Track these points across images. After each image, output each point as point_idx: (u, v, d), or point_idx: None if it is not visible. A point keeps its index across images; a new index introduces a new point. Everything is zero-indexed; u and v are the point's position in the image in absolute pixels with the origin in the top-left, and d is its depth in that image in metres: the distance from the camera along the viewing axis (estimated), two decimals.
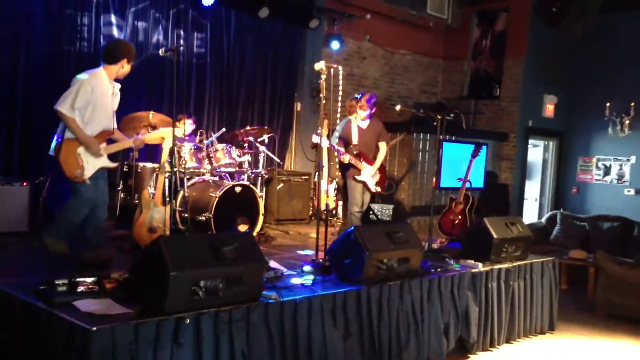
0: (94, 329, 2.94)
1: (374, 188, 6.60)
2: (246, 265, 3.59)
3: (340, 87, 5.05)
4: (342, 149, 6.33)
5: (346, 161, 6.37)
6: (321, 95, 4.84)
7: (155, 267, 3.27)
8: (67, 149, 4.64)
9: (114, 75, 4.82)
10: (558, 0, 6.78)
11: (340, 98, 4.95)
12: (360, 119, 6.57)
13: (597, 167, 10.73)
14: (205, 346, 3.32)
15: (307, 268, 4.62)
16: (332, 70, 4.91)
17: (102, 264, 4.57)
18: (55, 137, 4.77)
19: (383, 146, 6.69)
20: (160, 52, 4.50)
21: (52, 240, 4.74)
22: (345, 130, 6.54)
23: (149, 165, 6.11)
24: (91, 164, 4.73)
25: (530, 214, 11.12)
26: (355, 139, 6.48)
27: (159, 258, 3.25)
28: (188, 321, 3.26)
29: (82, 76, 4.68)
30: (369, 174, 6.52)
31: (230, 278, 3.48)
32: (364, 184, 6.54)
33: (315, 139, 6.19)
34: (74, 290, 3.51)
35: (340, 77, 4.94)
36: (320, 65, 4.87)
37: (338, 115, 5.08)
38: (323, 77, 4.84)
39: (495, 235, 5.32)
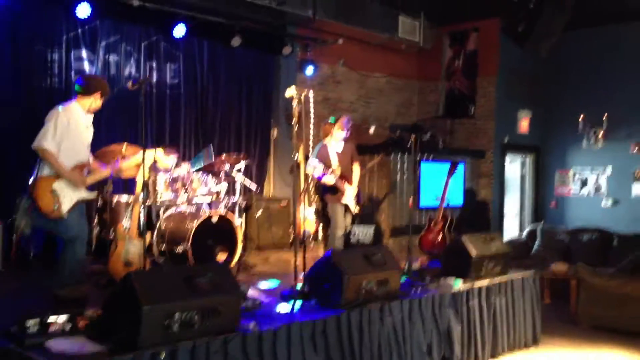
0: None
1: (354, 209, 6.62)
2: (221, 296, 3.55)
3: (312, 112, 5.06)
4: (326, 172, 6.35)
5: (331, 183, 6.37)
6: (292, 122, 4.85)
7: (127, 301, 3.23)
8: (42, 185, 4.58)
9: (87, 107, 4.81)
10: (523, 21, 6.92)
11: (312, 123, 4.95)
12: (335, 142, 6.61)
13: (574, 181, 10.84)
14: None
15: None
16: (302, 95, 4.90)
17: (78, 301, 4.48)
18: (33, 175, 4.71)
19: (357, 167, 6.74)
20: (129, 85, 4.50)
21: (63, 289, 4.63)
22: (323, 155, 6.58)
23: (123, 198, 6.06)
24: (68, 198, 4.67)
25: (511, 229, 11.17)
26: (334, 163, 6.52)
27: (131, 292, 3.21)
28: (163, 355, 3.21)
29: (56, 110, 4.66)
30: (351, 195, 6.55)
31: (206, 309, 3.44)
32: (346, 206, 6.56)
33: (311, 165, 6.23)
34: (46, 330, 3.44)
35: (312, 102, 4.95)
36: (291, 92, 4.89)
37: (311, 140, 5.10)
38: (294, 103, 4.87)
39: (474, 253, 5.33)
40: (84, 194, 4.78)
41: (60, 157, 4.62)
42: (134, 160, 5.11)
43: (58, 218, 4.63)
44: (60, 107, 4.69)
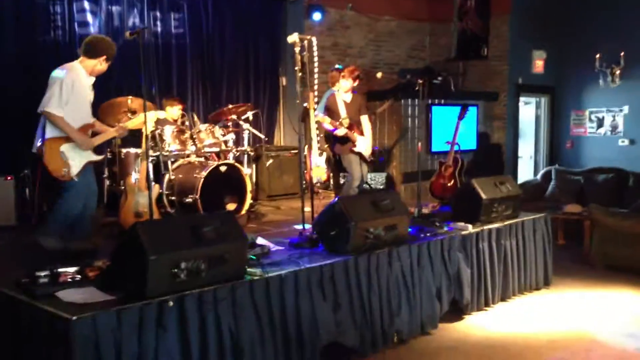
0: (74, 318, 2.93)
1: (369, 157, 6.58)
2: (227, 244, 3.57)
3: (316, 58, 4.96)
4: (335, 124, 6.27)
5: (341, 134, 6.31)
6: (296, 68, 4.77)
7: (134, 252, 3.25)
8: (50, 148, 4.57)
9: (90, 69, 4.74)
10: None
11: (316, 70, 4.86)
12: (343, 92, 6.51)
13: (590, 120, 10.64)
14: (191, 328, 3.31)
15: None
16: (305, 41, 4.80)
17: (89, 253, 4.54)
18: (37, 135, 4.69)
19: (366, 119, 6.66)
20: (126, 35, 4.42)
21: (46, 237, 4.65)
22: (331, 103, 6.49)
23: (132, 150, 6.06)
24: (77, 161, 4.66)
25: (526, 171, 11.07)
26: (343, 112, 6.43)
27: (137, 243, 3.23)
28: (171, 304, 3.25)
29: (60, 73, 4.59)
30: (363, 144, 6.48)
31: (212, 258, 3.46)
32: (360, 154, 6.49)
33: (318, 117, 6.16)
34: (56, 281, 3.50)
35: (315, 48, 4.85)
36: (293, 38, 4.79)
37: (315, 87, 5.01)
38: (297, 49, 4.77)
39: (484, 196, 5.29)
40: (92, 156, 4.76)
41: (66, 119, 4.59)
42: (139, 119, 5.06)
43: (69, 181, 4.64)
44: (63, 70, 4.61)
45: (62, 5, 6.82)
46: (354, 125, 6.46)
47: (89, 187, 4.78)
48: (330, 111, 6.45)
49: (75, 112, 4.63)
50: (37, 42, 6.66)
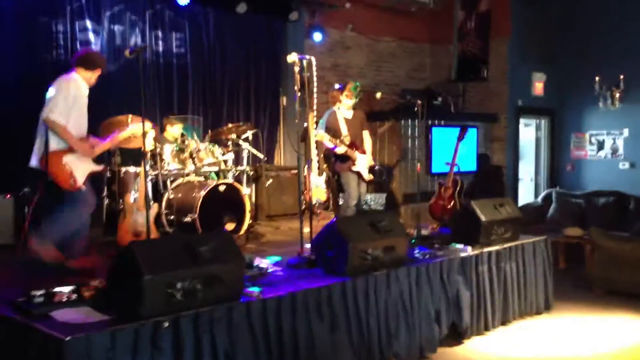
0: (68, 338, 2.89)
1: (367, 177, 6.55)
2: (224, 264, 3.53)
3: (315, 78, 4.97)
4: (335, 141, 6.25)
5: (341, 152, 6.28)
6: (295, 88, 4.78)
7: (129, 272, 3.22)
8: (54, 160, 4.56)
9: (87, 81, 4.79)
10: None
11: (315, 89, 4.88)
12: (345, 109, 6.51)
13: (591, 143, 10.64)
14: (187, 349, 3.26)
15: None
16: (305, 61, 4.81)
17: (88, 272, 4.50)
18: (36, 149, 4.68)
19: (367, 134, 6.65)
20: (126, 53, 4.44)
21: (44, 246, 4.60)
22: (332, 122, 6.49)
23: (131, 169, 6.05)
24: (81, 170, 4.67)
25: (527, 194, 11.05)
26: (344, 130, 6.42)
27: (133, 262, 3.20)
28: (167, 325, 3.21)
29: (61, 82, 4.60)
30: (363, 163, 6.46)
31: (208, 278, 3.43)
32: (359, 174, 6.47)
33: (318, 135, 6.14)
34: (52, 300, 3.47)
35: (314, 68, 4.86)
36: (292, 58, 4.81)
37: (315, 107, 5.03)
38: (296, 69, 4.79)
39: (483, 218, 5.27)
40: (93, 166, 4.78)
41: (69, 129, 4.60)
42: (129, 131, 5.04)
43: (76, 191, 4.62)
44: (66, 79, 4.65)
45: (65, 24, 6.87)
46: (355, 143, 6.45)
47: (87, 199, 4.76)
48: (331, 129, 6.44)
49: (76, 122, 4.64)
50: (39, 61, 6.69)
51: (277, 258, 4.68)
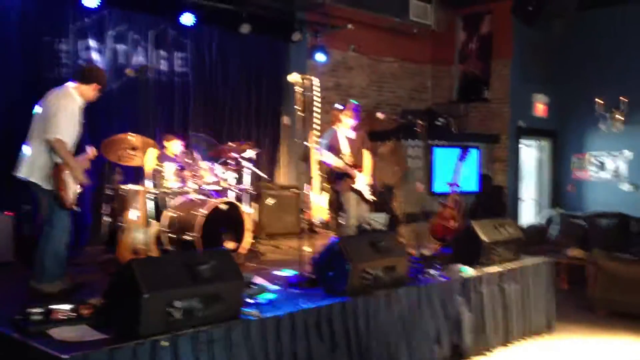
0: (66, 357, 2.88)
1: (369, 197, 6.52)
2: (224, 283, 3.53)
3: (317, 98, 4.98)
4: (334, 157, 6.23)
5: (340, 167, 6.27)
6: (297, 107, 4.79)
7: (128, 289, 3.21)
8: (59, 174, 4.50)
9: (85, 95, 4.73)
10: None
11: (318, 109, 4.88)
12: (346, 129, 6.52)
13: (592, 164, 10.64)
14: None
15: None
16: (306, 81, 4.83)
17: (56, 296, 4.38)
18: (25, 162, 4.61)
19: (367, 154, 6.64)
20: (127, 72, 4.46)
21: (46, 284, 4.51)
22: (333, 141, 6.47)
23: (132, 187, 6.05)
24: (74, 188, 4.63)
25: (528, 214, 11.02)
26: (345, 149, 6.41)
27: (132, 280, 3.19)
28: (165, 344, 3.19)
29: (59, 100, 4.57)
30: (363, 182, 6.45)
31: (208, 297, 3.42)
32: (360, 193, 6.44)
33: (317, 152, 6.11)
34: (49, 318, 3.44)
35: (315, 88, 4.88)
36: (293, 77, 4.82)
37: (317, 127, 5.03)
38: (298, 89, 4.80)
39: (484, 239, 5.25)
40: (77, 187, 4.69)
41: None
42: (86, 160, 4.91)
43: (70, 208, 4.59)
44: (63, 94, 4.60)
45: (68, 43, 6.92)
46: (355, 163, 6.44)
47: (69, 219, 4.68)
48: (333, 148, 6.43)
49: (70, 139, 4.60)
50: (42, 79, 6.71)
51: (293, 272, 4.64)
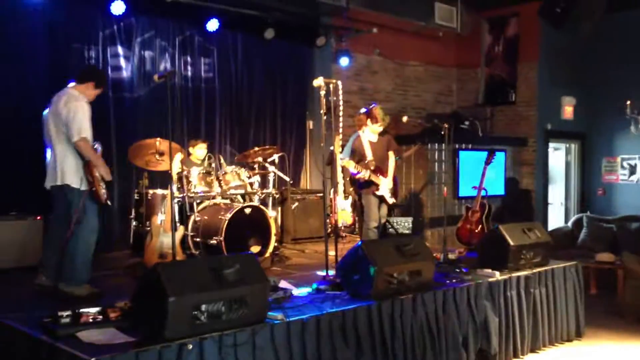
0: (93, 359, 2.91)
1: (390, 200, 6.50)
2: (249, 287, 3.53)
3: (341, 102, 4.99)
4: (359, 168, 6.22)
5: (366, 178, 6.26)
6: (321, 111, 4.79)
7: (154, 293, 3.24)
8: (92, 172, 4.56)
9: (84, 95, 4.75)
10: (562, 1, 6.64)
11: (341, 114, 4.88)
12: (370, 132, 6.50)
13: (622, 167, 10.45)
14: None
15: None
16: (331, 85, 4.84)
17: (84, 299, 4.46)
18: (53, 169, 4.65)
19: (392, 156, 6.62)
20: (154, 78, 4.51)
21: (75, 287, 4.59)
22: (357, 146, 6.46)
23: (159, 192, 6.12)
24: (103, 185, 4.70)
25: (557, 218, 10.86)
26: (369, 154, 6.39)
27: (158, 284, 3.22)
28: (191, 347, 3.21)
29: (71, 102, 4.60)
30: (386, 187, 6.43)
31: (233, 300, 3.43)
32: (382, 197, 6.43)
33: (342, 161, 6.13)
34: (78, 321, 3.49)
35: (340, 92, 4.88)
36: (318, 82, 4.83)
37: (341, 131, 5.02)
38: (322, 93, 4.81)
39: (511, 242, 5.19)
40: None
41: None
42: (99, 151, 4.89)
43: (106, 204, 4.66)
44: (74, 96, 4.65)
45: (97, 51, 7.03)
46: (380, 168, 6.42)
47: (98, 220, 4.74)
48: (356, 153, 6.42)
49: (91, 137, 4.66)
50: None
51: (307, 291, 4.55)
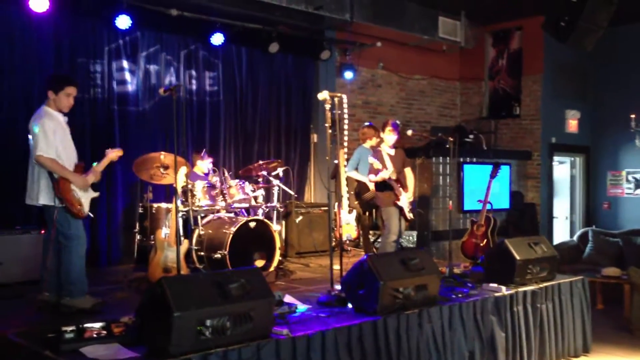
0: None
1: (409, 215, 6.44)
2: (254, 302, 3.51)
3: (346, 116, 4.99)
4: (381, 168, 6.15)
5: (386, 177, 6.18)
6: (326, 125, 4.79)
7: (159, 308, 3.22)
8: (64, 186, 4.54)
9: (58, 106, 4.68)
10: (567, 14, 6.65)
11: (346, 127, 4.88)
12: (387, 146, 6.48)
13: (628, 181, 10.42)
14: None
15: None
16: (335, 99, 4.85)
17: (86, 312, 4.46)
18: (29, 189, 4.64)
19: (409, 172, 6.58)
20: (160, 91, 4.51)
21: (78, 299, 4.58)
22: (378, 159, 6.34)
23: (163, 205, 6.11)
24: (85, 199, 4.68)
25: (562, 232, 10.81)
26: (389, 166, 6.33)
27: (163, 299, 3.20)
28: None
29: (36, 121, 4.56)
30: (406, 200, 6.38)
31: (238, 316, 3.41)
32: (402, 210, 6.35)
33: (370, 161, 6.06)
34: (82, 336, 3.47)
35: (345, 106, 4.88)
36: (323, 95, 4.84)
37: (346, 144, 5.00)
38: (327, 106, 4.82)
39: (517, 257, 5.15)
40: (92, 194, 4.76)
41: (59, 161, 4.57)
42: (107, 159, 4.91)
43: (84, 218, 4.63)
44: (38, 115, 4.60)
45: (102, 64, 7.06)
46: (400, 180, 6.38)
47: (83, 229, 4.72)
48: (377, 166, 6.34)
49: (64, 153, 4.63)
50: (77, 100, 6.78)
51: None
